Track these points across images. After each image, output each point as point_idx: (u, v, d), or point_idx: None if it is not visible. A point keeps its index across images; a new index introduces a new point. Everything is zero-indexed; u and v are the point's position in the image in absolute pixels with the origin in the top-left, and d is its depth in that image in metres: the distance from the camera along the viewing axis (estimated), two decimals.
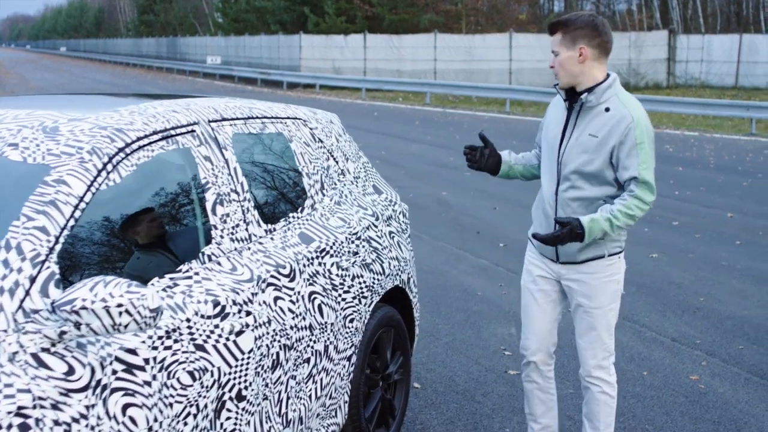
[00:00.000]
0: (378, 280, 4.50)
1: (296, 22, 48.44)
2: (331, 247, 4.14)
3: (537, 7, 56.27)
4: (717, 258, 9.24)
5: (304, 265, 3.88)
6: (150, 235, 3.33)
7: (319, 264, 4.01)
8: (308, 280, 3.88)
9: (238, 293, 3.40)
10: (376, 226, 4.65)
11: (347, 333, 4.18)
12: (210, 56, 53.68)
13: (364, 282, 4.35)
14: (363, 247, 4.43)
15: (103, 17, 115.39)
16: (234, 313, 3.34)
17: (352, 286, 4.24)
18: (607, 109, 3.95)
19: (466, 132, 21.93)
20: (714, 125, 24.78)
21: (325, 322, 3.98)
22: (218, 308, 3.26)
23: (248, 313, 3.42)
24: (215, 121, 3.82)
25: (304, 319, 3.80)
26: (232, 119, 3.94)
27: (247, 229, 3.69)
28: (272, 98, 34.99)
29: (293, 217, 4.09)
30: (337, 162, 4.62)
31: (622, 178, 3.95)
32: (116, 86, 42.34)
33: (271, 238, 3.83)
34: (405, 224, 5.10)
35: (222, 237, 3.52)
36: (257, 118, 4.14)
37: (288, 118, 4.40)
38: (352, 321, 4.22)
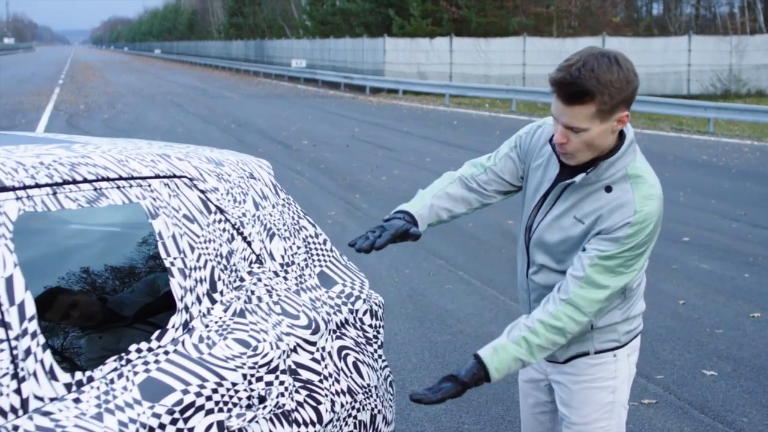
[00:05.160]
0: None
1: (381, 24, 47.00)
2: (209, 398, 2.46)
3: (632, 10, 53.77)
4: None
5: None
6: None
7: None
8: None
9: None
10: (311, 344, 2.87)
11: None
12: (294, 59, 52.85)
13: None
14: (281, 384, 2.71)
15: (195, 19, 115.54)
16: None
17: None
18: (608, 189, 2.80)
19: None
20: None
21: None
22: None
23: None
24: None
25: None
26: (21, 188, 2.26)
27: (19, 391, 2.07)
28: (353, 104, 33.59)
29: (139, 350, 2.43)
30: (249, 243, 2.85)
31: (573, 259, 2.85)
32: (194, 89, 41.34)
33: (75, 401, 2.19)
34: (375, 329, 3.25)
35: None
36: (85, 181, 2.43)
37: (156, 177, 2.65)
38: None
